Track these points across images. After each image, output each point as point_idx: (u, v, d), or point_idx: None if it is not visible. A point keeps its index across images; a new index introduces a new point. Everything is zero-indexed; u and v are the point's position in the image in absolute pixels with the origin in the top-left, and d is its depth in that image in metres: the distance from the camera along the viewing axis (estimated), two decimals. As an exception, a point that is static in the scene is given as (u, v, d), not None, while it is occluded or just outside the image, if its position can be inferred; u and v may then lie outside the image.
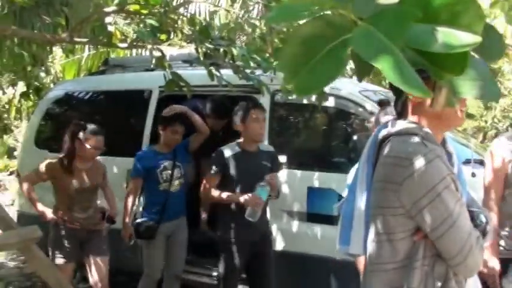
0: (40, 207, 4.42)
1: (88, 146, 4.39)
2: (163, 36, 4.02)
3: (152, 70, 5.65)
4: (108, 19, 4.95)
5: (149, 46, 4.11)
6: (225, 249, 4.11)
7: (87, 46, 9.07)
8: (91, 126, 4.49)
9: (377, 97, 4.76)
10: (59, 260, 4.38)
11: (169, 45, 4.55)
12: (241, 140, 4.24)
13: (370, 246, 1.90)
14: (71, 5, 5.85)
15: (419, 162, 1.70)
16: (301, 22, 0.80)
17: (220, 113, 5.33)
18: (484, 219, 1.89)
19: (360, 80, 1.02)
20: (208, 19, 6.07)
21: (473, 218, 1.83)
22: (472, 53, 0.86)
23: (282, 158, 4.68)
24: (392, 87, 1.97)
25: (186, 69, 5.16)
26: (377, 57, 0.71)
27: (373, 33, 0.72)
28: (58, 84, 7.46)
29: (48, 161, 4.50)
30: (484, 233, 1.88)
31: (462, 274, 1.82)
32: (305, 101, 4.90)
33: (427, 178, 1.69)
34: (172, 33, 4.29)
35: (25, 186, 4.45)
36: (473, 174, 3.89)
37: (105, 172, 4.78)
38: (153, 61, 4.37)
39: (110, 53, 9.23)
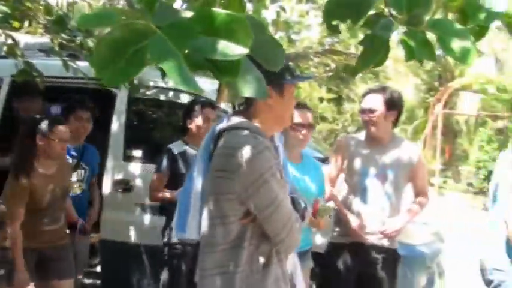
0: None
1: (57, 141, 3.52)
2: (16, 24, 3.94)
3: (5, 57, 5.43)
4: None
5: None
6: (173, 254, 3.94)
7: None
8: (50, 116, 3.70)
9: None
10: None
11: (27, 32, 4.42)
12: (186, 137, 4.17)
13: (205, 230, 2.11)
14: None
15: (251, 152, 1.95)
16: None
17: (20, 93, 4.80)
18: (303, 204, 2.21)
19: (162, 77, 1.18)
20: (66, 9, 5.97)
21: (294, 202, 2.13)
22: (258, 61, 1.09)
23: (138, 153, 4.78)
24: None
25: (42, 59, 5.05)
26: (164, 61, 0.89)
27: (164, 41, 0.91)
28: None
29: (7, 185, 3.50)
30: (303, 216, 2.18)
31: (284, 250, 2.11)
32: (162, 97, 5.03)
33: (257, 166, 1.96)
34: (27, 21, 4.19)
35: (18, 233, 3.42)
36: None
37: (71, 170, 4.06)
38: (4, 48, 4.23)
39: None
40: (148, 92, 4.96)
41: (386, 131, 3.64)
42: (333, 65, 13.00)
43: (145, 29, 0.93)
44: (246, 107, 2.20)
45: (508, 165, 3.34)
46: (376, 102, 3.58)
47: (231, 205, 2.02)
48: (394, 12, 1.21)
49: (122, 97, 4.95)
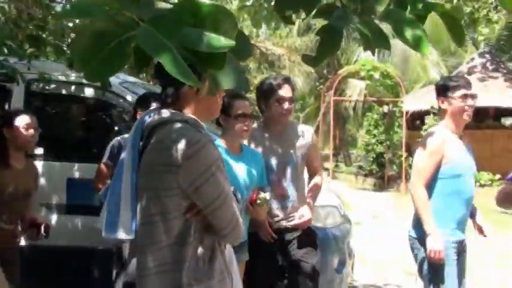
0: None
1: (22, 129, 3.59)
2: None
3: None
4: None
5: None
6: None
7: None
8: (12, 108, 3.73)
9: (137, 89, 4.93)
10: None
11: None
12: None
13: (142, 228, 2.02)
14: None
15: (196, 146, 1.91)
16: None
17: None
18: (240, 197, 2.20)
19: (138, 72, 1.15)
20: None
21: (234, 194, 2.12)
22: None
23: (39, 150, 4.53)
24: (162, 80, 2.13)
25: None
26: (158, 52, 0.86)
27: (154, 33, 0.88)
28: None
29: None
30: (241, 210, 2.18)
31: (231, 241, 2.10)
32: (64, 91, 4.80)
33: (203, 160, 1.92)
34: None
35: None
36: None
37: (37, 176, 3.96)
38: None
39: None
40: (47, 87, 4.71)
41: None
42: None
43: (128, 21, 0.89)
44: (175, 99, 2.13)
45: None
46: (291, 92, 3.68)
47: (174, 200, 1.95)
48: (345, 3, 1.24)
49: (18, 93, 4.66)
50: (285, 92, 3.61)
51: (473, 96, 3.54)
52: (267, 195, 3.21)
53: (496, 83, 16.05)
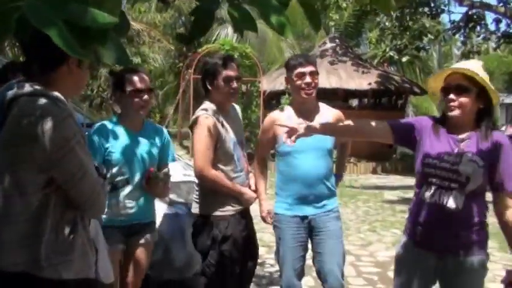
0: None
1: None
2: None
3: None
4: None
5: None
6: None
7: None
8: None
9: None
10: None
11: None
12: None
13: None
14: None
15: (54, 120, 1.91)
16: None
17: None
18: (104, 171, 2.24)
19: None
20: None
21: (97, 169, 2.15)
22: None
23: None
24: (27, 55, 2.09)
25: None
26: (46, 26, 0.88)
27: (41, 6, 0.89)
28: None
29: None
30: (103, 184, 2.21)
31: (92, 215, 2.17)
32: None
33: (62, 134, 1.92)
34: None
35: None
36: None
37: None
38: None
39: None
40: None
41: None
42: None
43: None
44: (39, 74, 2.10)
45: None
46: (237, 70, 3.60)
47: (30, 174, 1.95)
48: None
49: None
50: (231, 70, 3.51)
51: (311, 74, 3.50)
52: (162, 172, 3.28)
53: (344, 66, 17.18)
